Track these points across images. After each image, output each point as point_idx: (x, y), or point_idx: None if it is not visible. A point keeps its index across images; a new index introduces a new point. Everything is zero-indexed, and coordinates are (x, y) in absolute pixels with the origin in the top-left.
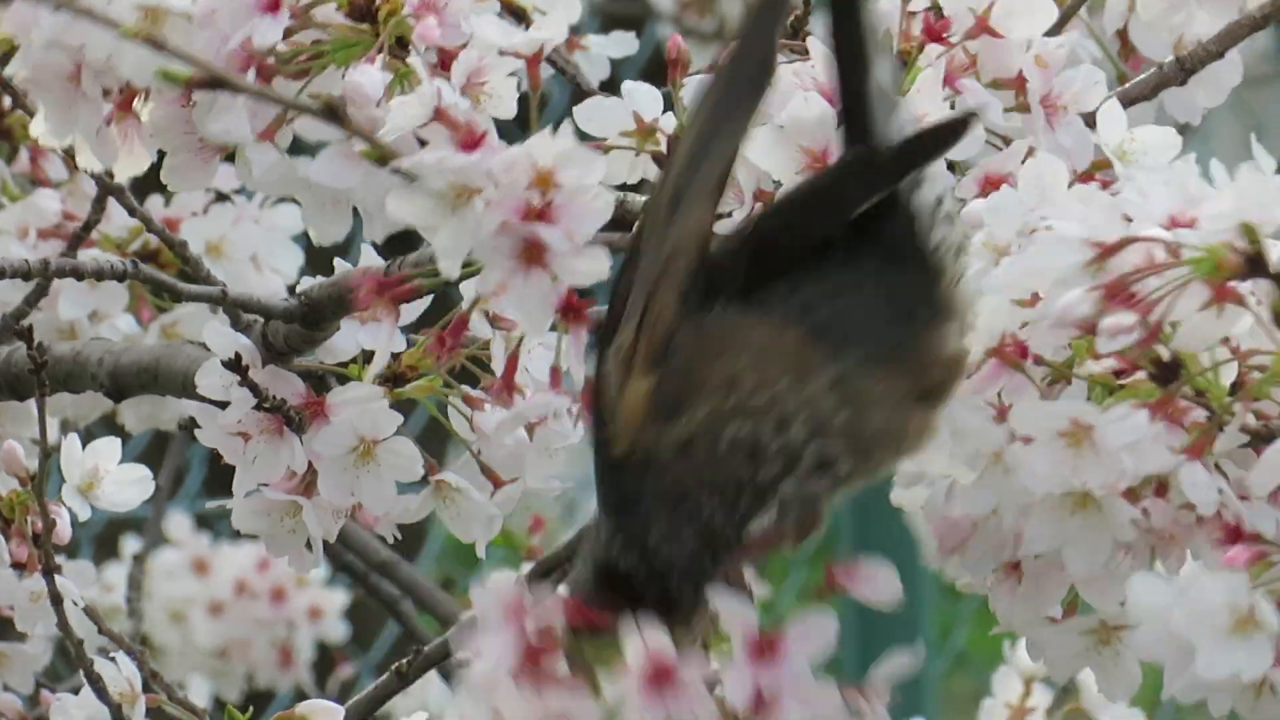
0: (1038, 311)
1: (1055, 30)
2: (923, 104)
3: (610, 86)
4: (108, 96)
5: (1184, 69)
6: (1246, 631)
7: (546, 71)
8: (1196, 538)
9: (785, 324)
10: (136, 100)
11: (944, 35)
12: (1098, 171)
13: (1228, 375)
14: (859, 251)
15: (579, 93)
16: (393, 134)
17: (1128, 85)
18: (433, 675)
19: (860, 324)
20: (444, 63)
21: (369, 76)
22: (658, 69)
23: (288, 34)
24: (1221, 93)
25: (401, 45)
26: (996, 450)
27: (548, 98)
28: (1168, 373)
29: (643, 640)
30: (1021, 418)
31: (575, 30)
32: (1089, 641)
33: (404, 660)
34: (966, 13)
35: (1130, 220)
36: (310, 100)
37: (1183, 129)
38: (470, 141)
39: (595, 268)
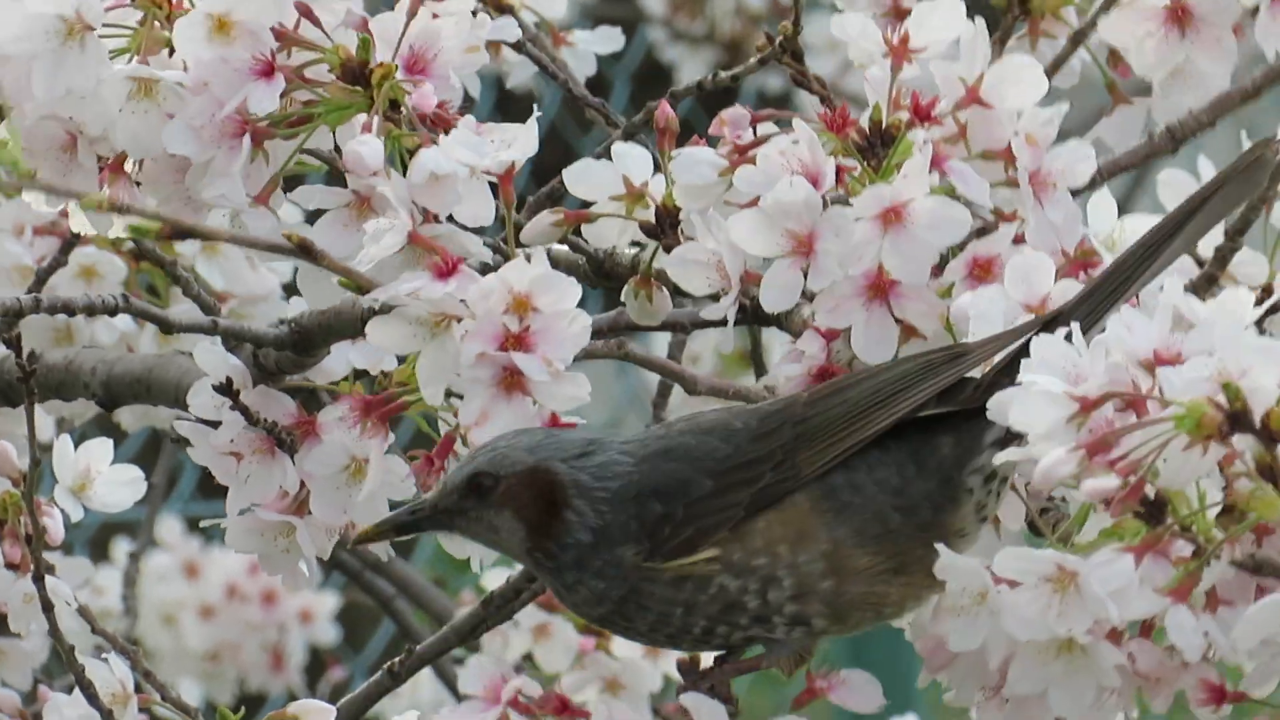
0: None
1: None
2: (909, 188)
3: (599, 88)
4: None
5: (1174, 138)
6: None
7: (532, 69)
8: (1182, 680)
9: (811, 496)
10: (128, 163)
11: (932, 114)
12: (1086, 258)
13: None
14: (908, 453)
15: (568, 95)
16: (369, 264)
17: (1118, 157)
18: (425, 675)
19: (867, 507)
20: (436, 121)
21: (369, 146)
22: (649, 73)
23: (280, 95)
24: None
25: (394, 107)
26: (982, 590)
27: (537, 98)
28: (1154, 510)
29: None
30: (1006, 563)
31: (565, 28)
32: None
33: (396, 659)
34: (956, 83)
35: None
36: (284, 240)
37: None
38: (446, 268)
39: (576, 392)
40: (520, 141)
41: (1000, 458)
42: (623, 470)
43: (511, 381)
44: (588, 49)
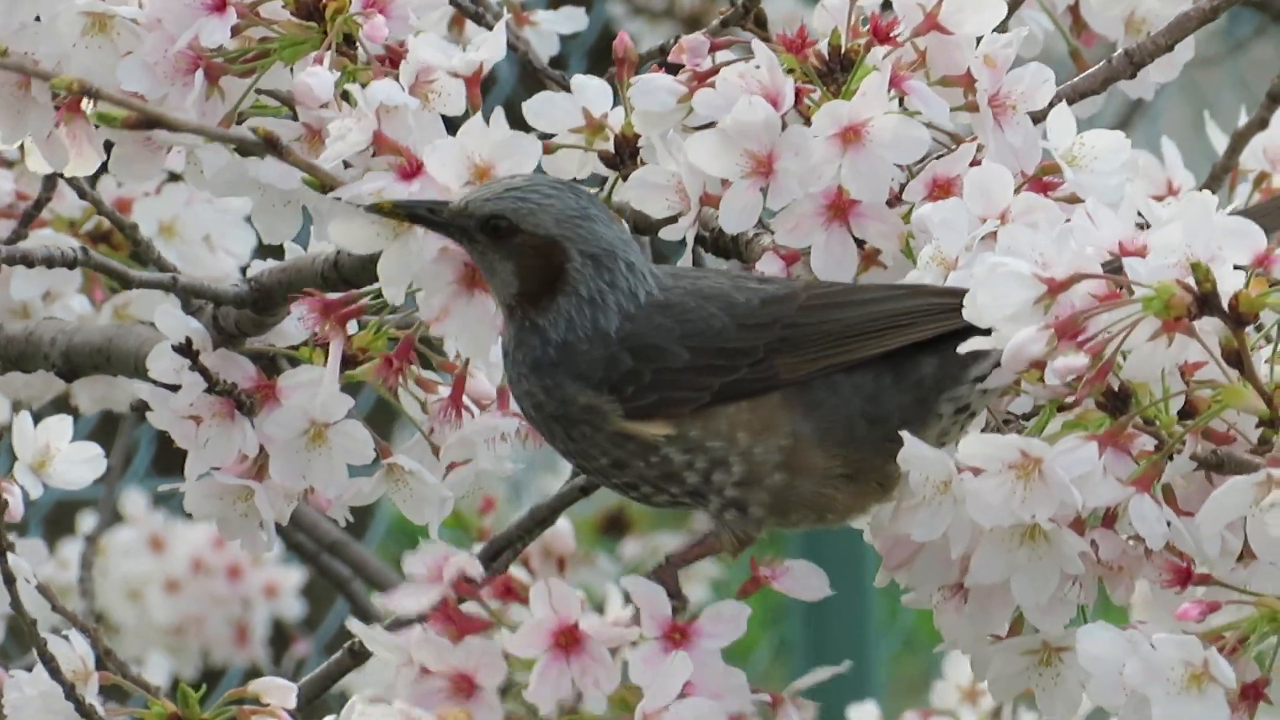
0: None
1: (1008, 13)
2: (868, 106)
3: (557, 63)
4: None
5: (1133, 62)
6: (1201, 686)
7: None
8: (1145, 570)
9: (785, 389)
10: (84, 102)
11: (892, 35)
12: (1045, 175)
13: (1176, 402)
14: (889, 364)
15: (528, 70)
16: (333, 160)
17: (1076, 79)
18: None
19: (839, 410)
20: (392, 59)
21: (319, 78)
22: (606, 46)
23: (235, 31)
24: (1174, 69)
25: (349, 42)
26: (945, 479)
27: (495, 75)
28: (1117, 402)
29: (552, 602)
30: (970, 449)
31: (525, 7)
32: (1030, 661)
33: (356, 639)
34: (916, 9)
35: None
36: (249, 131)
37: (1133, 107)
38: (410, 169)
39: None
40: (489, 44)
41: (967, 346)
42: (623, 309)
43: (472, 278)
44: (550, 29)
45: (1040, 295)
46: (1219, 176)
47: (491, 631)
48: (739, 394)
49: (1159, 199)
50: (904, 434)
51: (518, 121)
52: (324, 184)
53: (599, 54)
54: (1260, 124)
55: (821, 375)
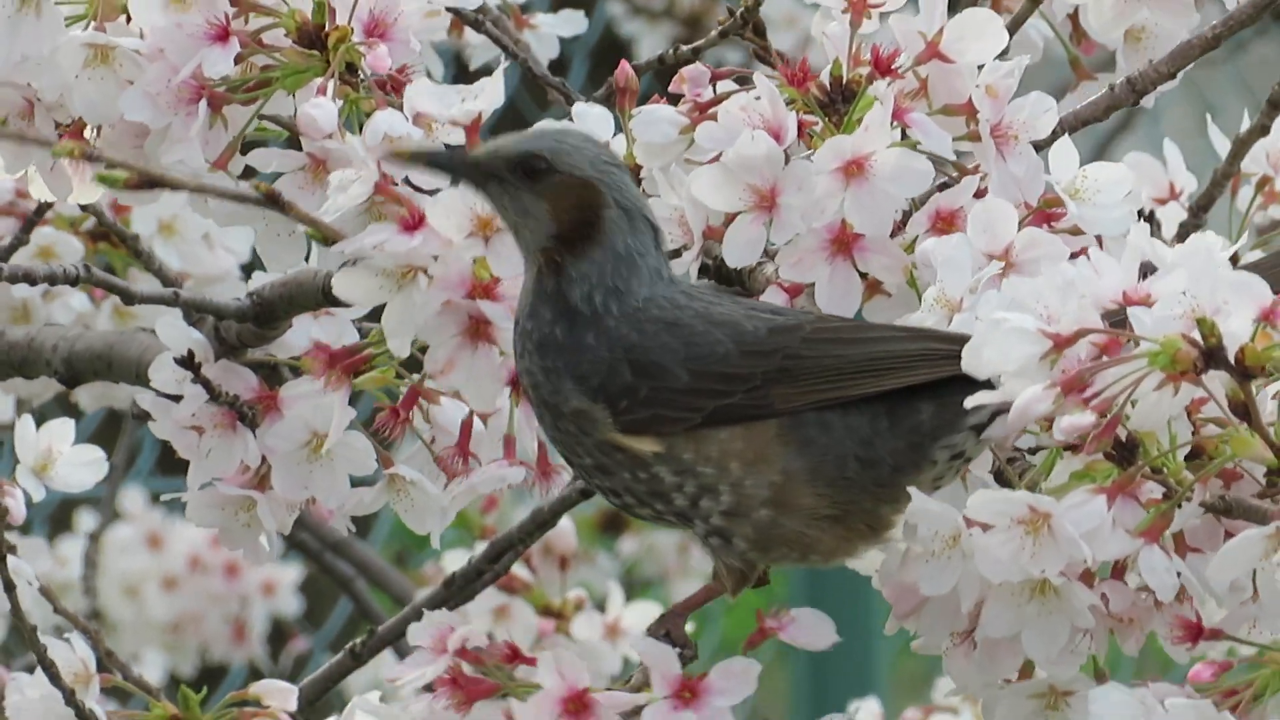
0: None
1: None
2: (871, 140)
3: (557, 65)
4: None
5: (1135, 90)
6: None
7: (494, 51)
8: (1155, 621)
9: (780, 422)
10: (86, 130)
11: (893, 66)
12: (1049, 208)
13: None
14: (885, 407)
15: (528, 74)
16: (334, 214)
17: (1078, 108)
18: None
19: (831, 449)
20: (394, 86)
21: (322, 109)
22: (607, 47)
23: (238, 60)
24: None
25: (351, 71)
26: (955, 534)
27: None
28: (1125, 452)
29: (558, 669)
30: (978, 504)
31: (525, 9)
32: (1038, 705)
33: (358, 640)
34: (917, 37)
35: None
36: (251, 190)
37: (1134, 109)
38: (412, 221)
39: None
40: (487, 92)
41: (974, 400)
42: (653, 279)
43: (477, 330)
44: (550, 32)
45: (1046, 351)
46: (1221, 183)
47: (500, 695)
48: (731, 418)
49: (1161, 202)
50: (911, 490)
51: (519, 125)
52: (326, 236)
53: (600, 55)
54: (1262, 130)
55: (815, 411)
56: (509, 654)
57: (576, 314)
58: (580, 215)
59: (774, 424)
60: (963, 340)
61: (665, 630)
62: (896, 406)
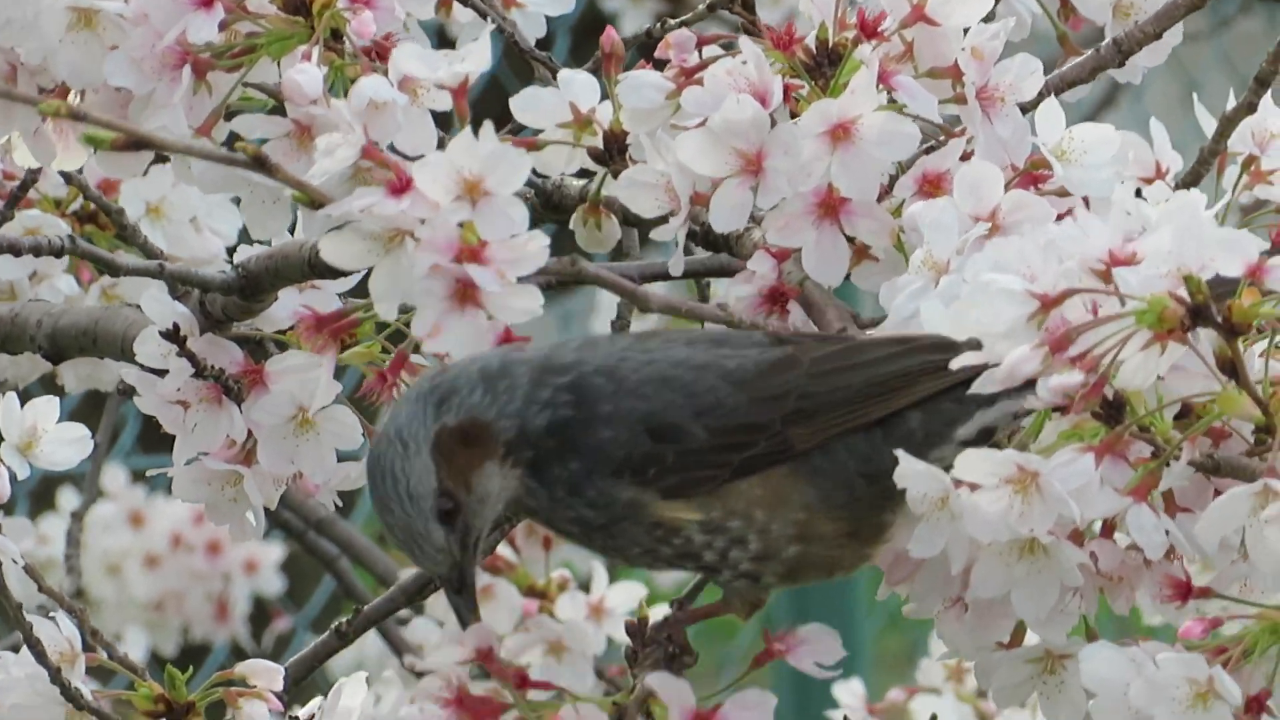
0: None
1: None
2: (857, 104)
3: (541, 41)
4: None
5: (1121, 51)
6: (1207, 703)
7: (481, 30)
8: (1145, 580)
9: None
10: (70, 96)
11: (879, 30)
12: (1035, 170)
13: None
14: (878, 422)
15: (513, 49)
16: (321, 178)
17: (1064, 69)
18: (371, 633)
19: (837, 474)
20: (380, 53)
21: (307, 75)
22: (591, 23)
23: (222, 26)
24: (1162, 53)
25: (336, 37)
26: (943, 495)
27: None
28: (1112, 411)
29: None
30: (966, 464)
31: None
32: (1034, 669)
33: (343, 619)
34: (903, 1)
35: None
36: (239, 154)
37: (1117, 84)
38: (400, 185)
39: (529, 305)
40: (474, 55)
41: (959, 361)
42: (618, 388)
43: (465, 294)
44: (537, 10)
45: (1033, 311)
46: (1207, 161)
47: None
48: (753, 468)
49: (1147, 181)
50: (898, 452)
51: (500, 98)
52: (313, 200)
53: (583, 31)
54: (1248, 108)
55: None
56: (519, 680)
57: (572, 441)
58: (466, 459)
59: (786, 465)
60: (952, 347)
61: (667, 634)
62: (887, 419)
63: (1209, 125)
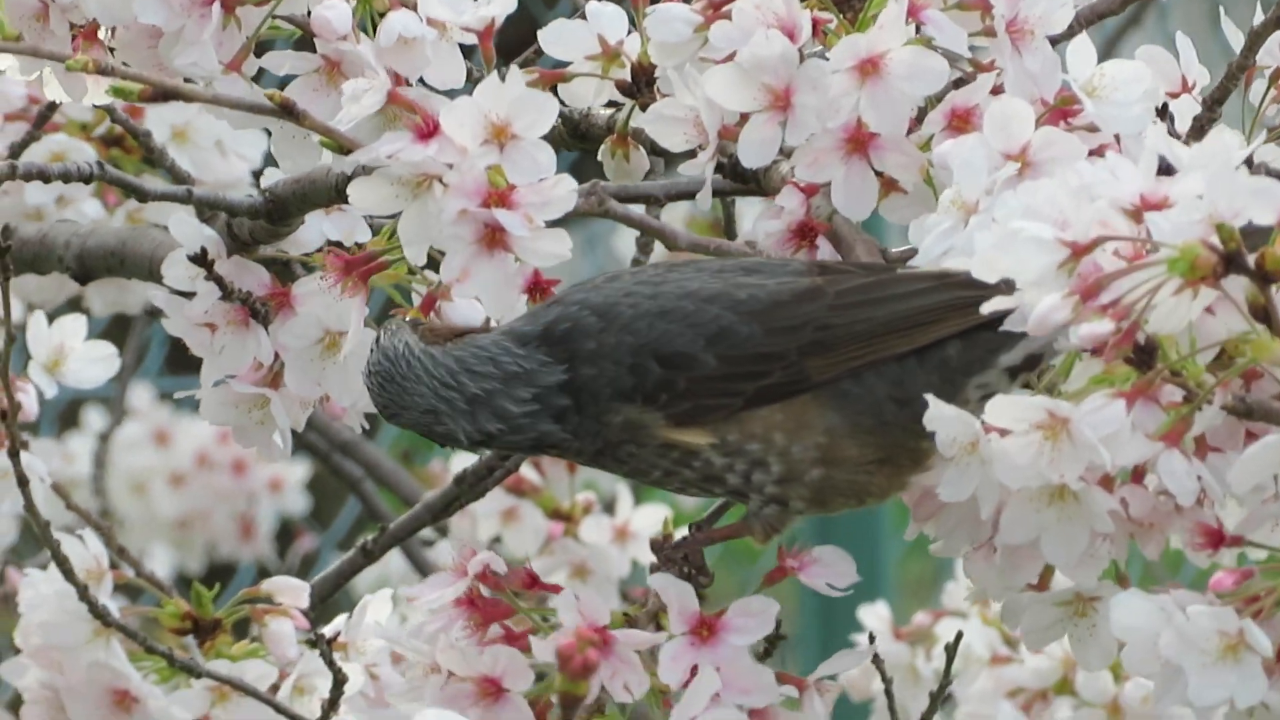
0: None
1: None
2: (886, 39)
3: None
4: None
5: None
6: (1238, 655)
7: None
8: (1176, 526)
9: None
10: (101, 32)
11: None
12: (1065, 105)
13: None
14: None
15: None
16: (348, 123)
17: (1094, 1)
18: (393, 551)
19: (866, 399)
20: None
21: (336, 10)
22: None
23: None
24: None
25: None
26: (972, 440)
27: None
28: (1144, 356)
29: (578, 606)
30: (996, 410)
31: None
32: (1065, 612)
33: (369, 537)
34: None
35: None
36: (266, 100)
37: (1142, 6)
38: (427, 130)
39: (557, 248)
40: None
41: (990, 306)
42: (614, 323)
43: (493, 238)
44: None
45: (1064, 259)
46: (1235, 75)
47: (520, 620)
48: (772, 397)
49: (1174, 95)
50: (928, 396)
51: (526, 22)
52: (341, 146)
53: None
54: (1276, 22)
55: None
56: (528, 580)
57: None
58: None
59: (808, 391)
60: (984, 286)
61: (683, 554)
62: (924, 346)
63: (1237, 42)
